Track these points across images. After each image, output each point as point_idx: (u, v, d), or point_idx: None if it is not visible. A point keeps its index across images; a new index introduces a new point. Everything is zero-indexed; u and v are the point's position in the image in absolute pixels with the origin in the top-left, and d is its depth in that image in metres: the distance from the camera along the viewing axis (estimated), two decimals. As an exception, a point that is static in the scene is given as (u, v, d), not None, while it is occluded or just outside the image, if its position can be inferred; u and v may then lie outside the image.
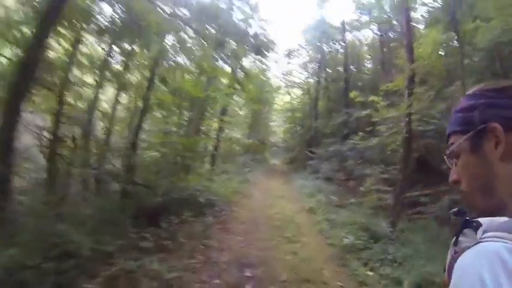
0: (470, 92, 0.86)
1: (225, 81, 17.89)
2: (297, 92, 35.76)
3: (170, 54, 10.37)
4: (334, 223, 9.21)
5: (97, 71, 8.96)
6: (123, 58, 9.63)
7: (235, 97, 30.42)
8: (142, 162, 9.88)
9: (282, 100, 37.53)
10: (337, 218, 9.56)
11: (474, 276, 0.55)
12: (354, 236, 7.57)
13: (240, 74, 16.66)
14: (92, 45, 8.97)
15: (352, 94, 12.58)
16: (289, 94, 35.76)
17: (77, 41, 8.09)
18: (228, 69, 15.01)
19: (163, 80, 9.97)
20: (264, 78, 28.61)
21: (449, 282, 0.63)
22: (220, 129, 24.79)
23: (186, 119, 13.28)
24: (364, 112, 14.08)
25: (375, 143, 11.02)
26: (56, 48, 7.55)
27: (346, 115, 19.07)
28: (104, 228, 5.85)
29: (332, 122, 20.50)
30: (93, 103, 9.04)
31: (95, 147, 9.06)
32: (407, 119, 9.52)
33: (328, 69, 26.53)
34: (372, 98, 12.29)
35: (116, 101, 9.95)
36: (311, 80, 33.18)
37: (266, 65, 30.00)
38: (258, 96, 29.59)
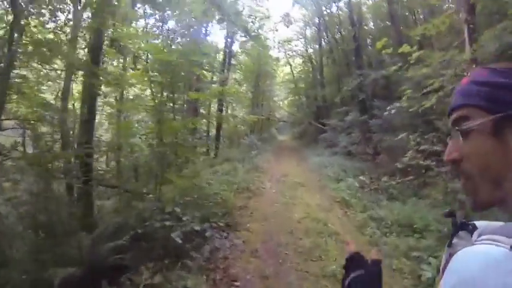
0: (498, 66, 0.71)
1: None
2: (298, 61, 32.49)
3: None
4: (387, 225, 6.28)
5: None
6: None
7: (233, 72, 27.80)
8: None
9: (282, 72, 34.22)
10: (388, 215, 6.61)
11: (468, 279, 0.53)
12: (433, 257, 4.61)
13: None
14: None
15: (379, 44, 9.49)
16: (290, 64, 32.47)
17: None
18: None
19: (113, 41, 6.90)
20: (261, 49, 25.47)
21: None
22: (220, 109, 22.00)
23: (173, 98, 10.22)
24: (393, 68, 10.88)
25: (433, 102, 7.88)
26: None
27: (361, 77, 15.90)
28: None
29: (345, 87, 17.28)
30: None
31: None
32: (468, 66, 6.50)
33: (329, 32, 23.07)
34: (404, 47, 9.11)
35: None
36: (311, 48, 29.97)
37: (262, 35, 27.15)
38: (257, 69, 26.66)
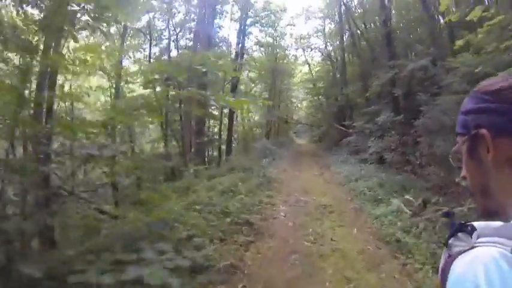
0: (472, 91, 0.80)
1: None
2: (317, 59, 29.39)
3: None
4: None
5: None
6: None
7: (245, 71, 24.91)
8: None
9: (300, 71, 31.11)
10: None
11: (470, 283, 0.53)
12: None
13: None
14: None
15: (443, 5, 6.49)
16: (308, 64, 29.36)
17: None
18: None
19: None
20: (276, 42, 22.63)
21: (442, 285, 0.62)
22: (232, 110, 19.13)
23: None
24: (458, 42, 7.89)
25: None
26: None
27: (394, 70, 12.74)
28: None
29: (376, 82, 14.09)
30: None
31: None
32: None
33: (352, 24, 19.89)
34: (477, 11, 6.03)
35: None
36: (330, 46, 26.85)
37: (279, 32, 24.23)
38: (272, 66, 23.71)
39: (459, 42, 8.05)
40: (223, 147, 19.15)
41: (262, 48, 24.28)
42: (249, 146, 18.86)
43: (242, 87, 22.40)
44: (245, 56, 22.50)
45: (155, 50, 18.80)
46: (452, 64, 9.66)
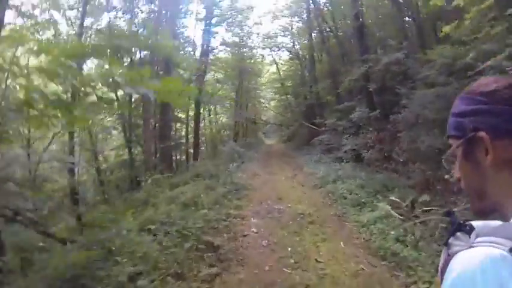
0: (464, 93, 0.77)
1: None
2: (284, 58, 28.53)
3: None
4: None
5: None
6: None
7: (211, 72, 23.66)
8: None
9: (268, 71, 30.17)
10: None
11: (467, 282, 0.53)
12: None
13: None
14: None
15: None
16: (276, 63, 28.48)
17: None
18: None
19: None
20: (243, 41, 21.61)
21: (442, 283, 0.61)
22: (198, 112, 17.91)
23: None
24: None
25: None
26: None
27: (367, 64, 11.96)
28: None
29: (349, 77, 13.27)
30: None
31: None
32: None
33: (320, 20, 19.13)
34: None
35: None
36: (298, 44, 26.08)
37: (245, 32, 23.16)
38: (239, 66, 22.63)
39: (446, 29, 7.35)
40: (191, 151, 17.90)
41: (228, 48, 23.12)
42: (218, 150, 17.69)
43: (208, 88, 21.22)
44: (211, 56, 21.34)
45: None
46: (430, 56, 9.11)
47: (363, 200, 6.91)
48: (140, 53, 13.95)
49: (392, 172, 9.06)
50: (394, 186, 7.61)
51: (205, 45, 18.59)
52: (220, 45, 21.36)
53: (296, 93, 25.70)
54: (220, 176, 9.13)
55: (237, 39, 22.28)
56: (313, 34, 20.75)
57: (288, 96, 27.80)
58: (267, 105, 31.96)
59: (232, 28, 21.54)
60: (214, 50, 20.81)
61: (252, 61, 25.05)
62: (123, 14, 16.28)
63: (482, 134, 0.68)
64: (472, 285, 0.52)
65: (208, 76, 22.12)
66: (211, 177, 8.89)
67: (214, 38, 20.67)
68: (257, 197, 7.80)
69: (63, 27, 15.06)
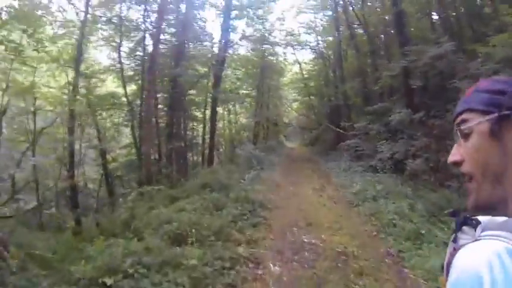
0: (499, 77, 0.74)
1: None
2: (308, 57, 26.62)
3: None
4: None
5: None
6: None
7: (231, 69, 21.98)
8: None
9: (290, 71, 28.24)
10: None
11: (472, 275, 0.52)
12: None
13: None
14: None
15: None
16: (299, 63, 26.58)
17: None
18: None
19: None
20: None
21: (447, 279, 0.59)
22: (214, 111, 16.24)
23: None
24: None
25: None
26: None
27: (410, 58, 10.01)
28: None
29: (386, 72, 11.29)
30: None
31: None
32: None
33: (349, 12, 17.19)
34: None
35: None
36: (321, 42, 24.14)
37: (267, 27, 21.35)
38: (260, 63, 20.88)
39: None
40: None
41: (249, 44, 21.42)
42: (235, 153, 15.95)
43: (226, 85, 19.59)
44: (230, 51, 19.66)
45: (128, 43, 15.82)
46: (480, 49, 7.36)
47: (421, 231, 5.03)
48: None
49: (444, 188, 7.13)
50: (451, 208, 5.65)
51: (223, 40, 16.88)
52: (240, 39, 19.71)
53: (320, 94, 23.83)
54: (233, 188, 7.33)
55: (258, 35, 20.54)
56: (340, 28, 18.71)
57: (312, 97, 25.86)
58: (289, 107, 30.00)
59: (253, 23, 19.78)
60: (233, 46, 19.16)
61: (274, 59, 23.17)
62: (136, 4, 14.84)
63: None
64: (477, 279, 0.49)
65: (228, 72, 20.53)
66: (221, 190, 7.09)
67: (235, 32, 18.96)
68: (279, 222, 5.90)
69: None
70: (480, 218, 0.60)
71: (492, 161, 0.65)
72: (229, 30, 17.52)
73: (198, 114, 19.14)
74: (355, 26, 16.61)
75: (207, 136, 16.84)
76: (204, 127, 17.56)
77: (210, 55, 16.96)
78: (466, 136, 0.69)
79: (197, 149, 18.65)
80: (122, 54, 15.06)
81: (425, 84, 10.07)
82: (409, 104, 10.44)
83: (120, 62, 14.85)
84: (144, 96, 12.62)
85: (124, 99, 15.00)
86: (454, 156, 0.72)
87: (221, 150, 21.21)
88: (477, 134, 0.68)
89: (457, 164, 0.71)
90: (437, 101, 9.68)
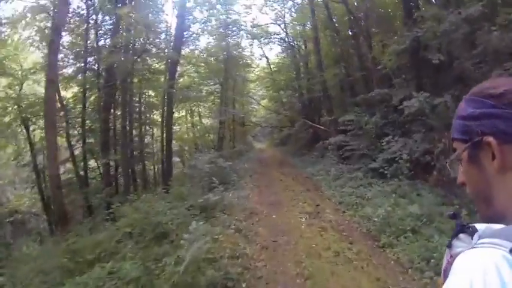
0: (471, 94, 0.70)
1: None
2: (276, 50, 23.79)
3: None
4: None
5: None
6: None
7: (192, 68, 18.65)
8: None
9: (258, 66, 25.17)
10: None
11: (465, 282, 0.49)
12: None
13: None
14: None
15: None
16: (266, 57, 23.76)
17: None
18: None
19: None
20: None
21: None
22: (170, 111, 12.93)
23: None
24: None
25: None
26: None
27: (419, 28, 7.20)
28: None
29: (395, 44, 8.27)
30: None
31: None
32: None
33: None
34: None
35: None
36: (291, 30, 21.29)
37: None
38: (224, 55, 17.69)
39: None
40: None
41: (213, 38, 18.20)
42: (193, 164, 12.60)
43: (185, 82, 16.43)
44: (189, 44, 16.41)
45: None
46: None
47: None
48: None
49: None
50: None
51: (178, 28, 13.57)
52: (202, 32, 16.52)
53: (292, 88, 20.94)
54: (175, 236, 3.99)
55: (221, 29, 17.39)
56: (315, 11, 15.81)
57: (282, 92, 22.91)
58: (256, 104, 26.79)
59: (214, 11, 16.58)
60: (192, 37, 15.93)
61: (239, 52, 19.99)
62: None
63: (490, 139, 0.63)
64: (471, 286, 0.47)
65: (188, 68, 17.30)
66: (150, 246, 3.79)
67: (193, 23, 15.69)
68: None
69: None
70: (477, 225, 0.59)
71: (478, 185, 0.67)
72: (186, 17, 14.25)
73: (156, 117, 15.89)
74: (335, 3, 13.69)
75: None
76: (162, 133, 14.14)
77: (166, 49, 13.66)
78: (460, 163, 0.70)
79: (154, 159, 15.20)
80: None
81: (443, 60, 7.25)
82: (420, 87, 7.62)
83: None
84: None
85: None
86: (460, 178, 0.72)
87: (178, 160, 17.74)
88: (464, 162, 0.69)
89: (464, 184, 0.71)
90: (458, 83, 6.97)
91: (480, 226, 0.59)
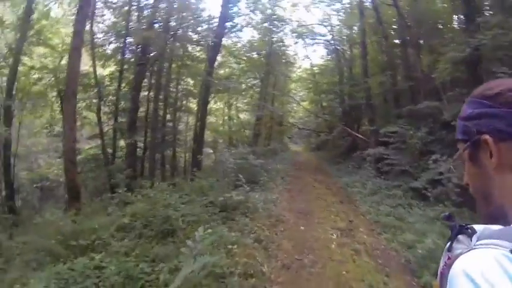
0: (470, 97, 0.72)
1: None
2: (320, 53, 23.09)
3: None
4: None
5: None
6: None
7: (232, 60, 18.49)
8: None
9: (300, 67, 24.63)
10: None
11: (467, 284, 0.48)
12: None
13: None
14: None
15: None
16: (309, 58, 23.11)
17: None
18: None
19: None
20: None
21: (441, 285, 0.60)
22: (205, 101, 12.81)
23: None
24: None
25: None
26: None
27: (481, 36, 6.45)
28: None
29: (453, 52, 7.54)
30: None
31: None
32: None
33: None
34: None
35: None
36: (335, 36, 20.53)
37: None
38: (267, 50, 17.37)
39: None
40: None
41: (255, 33, 17.95)
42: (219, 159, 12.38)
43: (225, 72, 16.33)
44: (232, 35, 16.19)
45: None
46: None
47: None
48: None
49: None
50: None
51: (222, 17, 13.34)
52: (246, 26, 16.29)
53: (333, 93, 20.28)
54: (182, 236, 3.67)
55: (266, 24, 17.04)
56: (364, 13, 15.05)
57: (323, 95, 22.24)
58: (295, 106, 26.20)
59: (259, 6, 16.27)
60: (235, 29, 15.68)
61: (283, 48, 19.51)
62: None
63: (486, 137, 0.64)
64: (472, 286, 0.47)
65: (229, 59, 17.31)
66: (160, 235, 3.48)
67: (238, 16, 15.46)
68: None
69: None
70: (476, 226, 0.59)
71: (478, 183, 0.68)
72: (230, 7, 14.01)
73: (192, 105, 15.95)
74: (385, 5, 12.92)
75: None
76: (196, 121, 14.03)
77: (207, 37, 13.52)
78: (464, 163, 0.71)
79: (185, 146, 15.19)
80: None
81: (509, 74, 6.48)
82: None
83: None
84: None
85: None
86: (465, 178, 0.72)
87: (218, 149, 17.61)
88: (466, 161, 0.70)
89: (468, 185, 0.72)
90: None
91: (478, 227, 0.58)
